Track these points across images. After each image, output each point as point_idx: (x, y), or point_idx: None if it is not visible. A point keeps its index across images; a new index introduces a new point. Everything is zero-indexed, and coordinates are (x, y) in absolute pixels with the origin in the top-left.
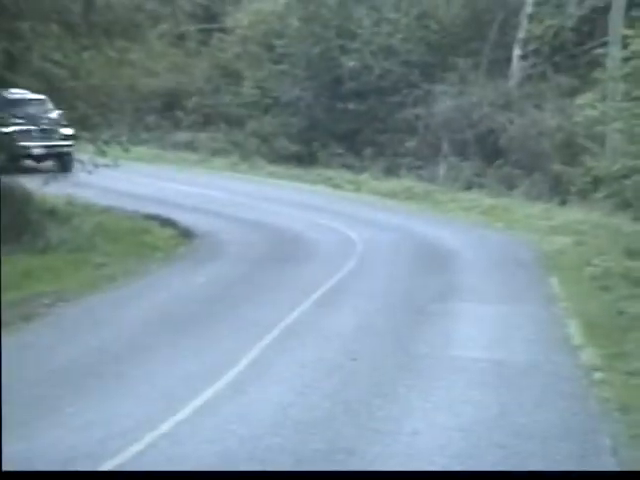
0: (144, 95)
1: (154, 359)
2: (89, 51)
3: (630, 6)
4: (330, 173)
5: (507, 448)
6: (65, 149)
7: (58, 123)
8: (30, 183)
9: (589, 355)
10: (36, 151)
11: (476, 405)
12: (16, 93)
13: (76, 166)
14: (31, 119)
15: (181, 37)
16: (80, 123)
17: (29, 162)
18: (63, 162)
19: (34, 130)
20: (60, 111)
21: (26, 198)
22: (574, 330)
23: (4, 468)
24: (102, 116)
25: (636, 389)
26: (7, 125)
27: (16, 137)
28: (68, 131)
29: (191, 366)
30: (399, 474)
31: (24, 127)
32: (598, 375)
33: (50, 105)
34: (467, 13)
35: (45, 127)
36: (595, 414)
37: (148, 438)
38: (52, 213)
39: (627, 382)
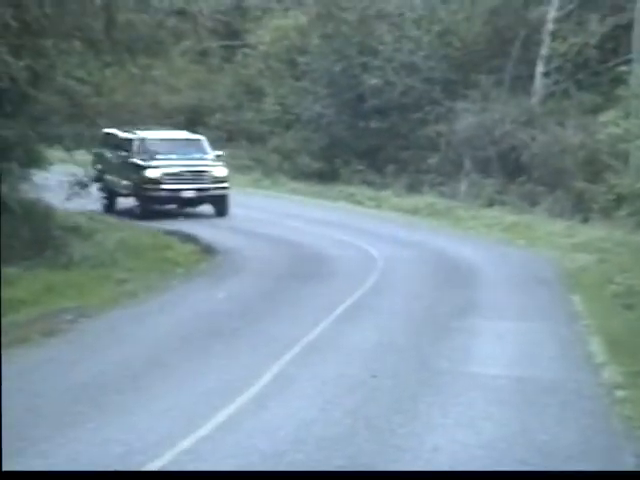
0: (167, 112)
1: (175, 375)
2: (112, 68)
3: None
4: (352, 190)
5: (529, 465)
6: (220, 192)
7: (215, 164)
8: (53, 199)
9: (611, 373)
10: (186, 194)
11: (497, 422)
12: (173, 133)
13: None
14: (182, 160)
15: (203, 54)
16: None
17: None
18: (219, 206)
19: (185, 172)
20: (219, 152)
21: (48, 214)
22: (596, 348)
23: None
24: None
25: None
26: (155, 167)
27: (163, 181)
28: (224, 172)
29: (212, 382)
30: (399, 474)
31: (173, 169)
32: (620, 393)
33: (207, 146)
34: (489, 30)
35: (197, 169)
36: (618, 432)
37: (169, 455)
38: (75, 229)
39: None
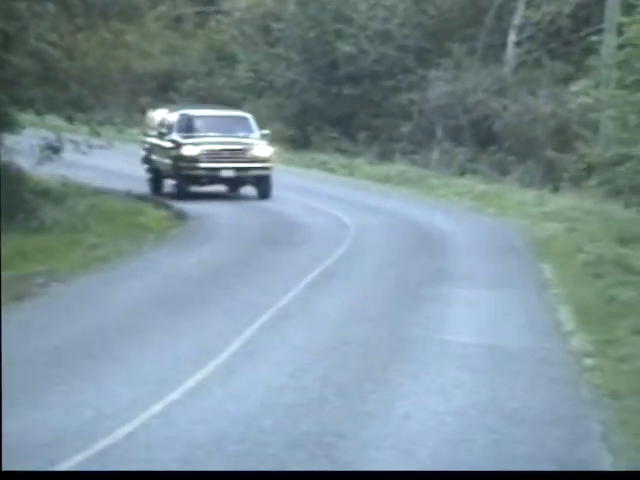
0: (139, 77)
1: (146, 340)
2: (84, 32)
3: None
4: (324, 157)
5: (498, 432)
6: (263, 172)
7: (257, 143)
8: (24, 162)
9: (580, 341)
10: (225, 174)
11: (467, 389)
12: (217, 111)
13: (68, 147)
14: (223, 138)
15: (178, 20)
16: (74, 104)
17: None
18: (261, 187)
19: (224, 150)
20: (265, 131)
21: (20, 178)
22: (565, 316)
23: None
24: (97, 97)
25: (626, 375)
26: (193, 144)
27: (201, 159)
28: (267, 152)
29: (183, 347)
30: (399, 474)
31: (213, 147)
32: (589, 361)
33: (253, 124)
34: None
35: (238, 147)
36: (586, 400)
37: (140, 419)
38: (46, 193)
39: (617, 368)
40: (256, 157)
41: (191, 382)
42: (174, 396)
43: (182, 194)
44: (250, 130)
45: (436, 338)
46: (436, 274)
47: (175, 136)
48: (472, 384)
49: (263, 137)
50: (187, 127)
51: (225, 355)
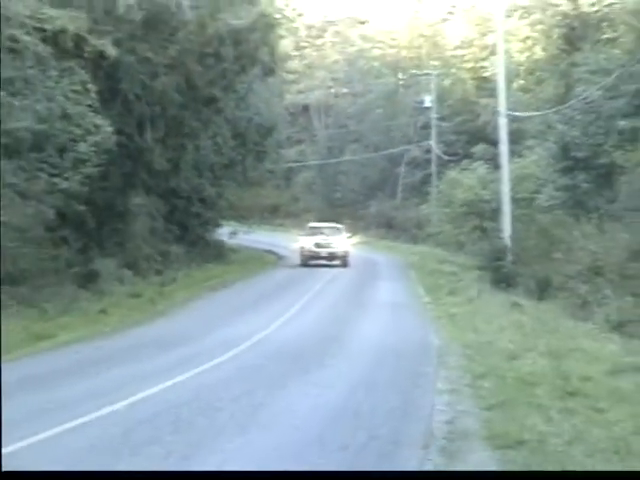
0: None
1: (266, 303)
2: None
3: None
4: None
5: (398, 322)
6: (343, 254)
7: (344, 239)
8: (224, 237)
9: (426, 299)
10: (322, 254)
11: (388, 317)
12: (327, 224)
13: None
14: (324, 236)
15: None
16: (241, 219)
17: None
18: (342, 261)
19: (323, 243)
20: (349, 234)
21: (221, 243)
22: (421, 290)
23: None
24: (250, 217)
25: (441, 308)
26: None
27: (309, 246)
28: (345, 245)
29: (280, 306)
30: (399, 474)
31: (320, 241)
32: (430, 306)
33: (343, 230)
34: None
35: (330, 242)
36: (427, 319)
37: (259, 335)
38: (230, 249)
39: (439, 307)
40: (339, 247)
41: (280, 320)
42: (277, 325)
43: (302, 263)
44: (340, 232)
45: (373, 300)
46: (373, 275)
47: (302, 235)
48: (390, 317)
49: (347, 237)
50: (311, 231)
51: (292, 310)
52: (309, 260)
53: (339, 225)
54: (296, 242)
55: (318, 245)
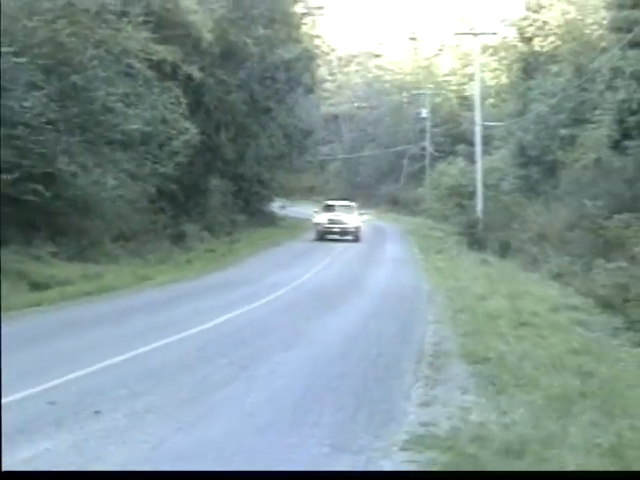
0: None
1: (299, 260)
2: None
3: None
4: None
5: (397, 268)
6: (355, 230)
7: (356, 217)
8: (274, 209)
9: (420, 255)
10: (335, 230)
11: (391, 269)
12: (340, 201)
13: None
14: (337, 213)
15: None
16: (289, 194)
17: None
18: (354, 237)
19: (335, 219)
20: (362, 211)
21: (272, 213)
22: (416, 250)
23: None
24: (292, 193)
25: (429, 261)
26: (321, 216)
27: (323, 222)
28: (358, 221)
29: (310, 262)
30: (399, 474)
31: (333, 217)
32: (421, 261)
33: (355, 207)
34: None
35: (341, 218)
36: (420, 269)
37: (298, 281)
38: (281, 218)
39: (428, 261)
40: (353, 224)
41: (315, 269)
42: (310, 274)
43: (317, 238)
44: (353, 210)
45: (383, 257)
46: (382, 239)
47: (318, 212)
48: (393, 270)
49: (359, 214)
50: (325, 208)
51: (323, 263)
52: (324, 235)
53: (352, 203)
54: (313, 218)
55: (331, 221)
